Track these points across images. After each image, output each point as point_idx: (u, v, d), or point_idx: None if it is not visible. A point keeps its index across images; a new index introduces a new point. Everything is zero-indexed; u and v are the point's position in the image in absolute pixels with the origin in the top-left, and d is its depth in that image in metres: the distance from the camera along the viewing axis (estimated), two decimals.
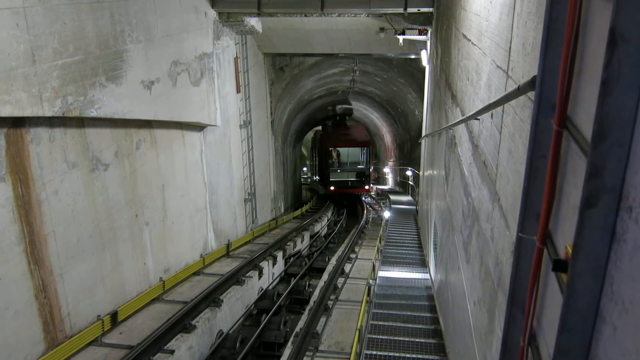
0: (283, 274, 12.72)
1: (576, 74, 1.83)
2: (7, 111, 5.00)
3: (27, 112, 5.28)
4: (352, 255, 12.90)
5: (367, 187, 26.75)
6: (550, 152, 1.95)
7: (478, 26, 4.93)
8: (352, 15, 11.89)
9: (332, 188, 26.54)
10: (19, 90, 5.11)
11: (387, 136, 33.79)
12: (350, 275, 10.94)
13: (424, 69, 14.52)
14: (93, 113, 6.40)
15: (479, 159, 4.47)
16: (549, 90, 2.03)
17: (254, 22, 12.27)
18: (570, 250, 1.61)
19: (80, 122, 6.66)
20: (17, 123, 5.59)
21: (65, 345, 6.29)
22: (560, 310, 1.64)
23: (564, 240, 1.88)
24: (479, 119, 4.49)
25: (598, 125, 1.42)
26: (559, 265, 1.73)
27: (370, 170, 26.81)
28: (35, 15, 5.32)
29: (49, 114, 5.60)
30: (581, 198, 1.51)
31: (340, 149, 27.49)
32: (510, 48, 3.30)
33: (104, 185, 7.23)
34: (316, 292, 9.50)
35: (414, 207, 21.11)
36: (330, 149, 27.03)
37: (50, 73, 5.55)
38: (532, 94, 2.37)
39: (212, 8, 11.01)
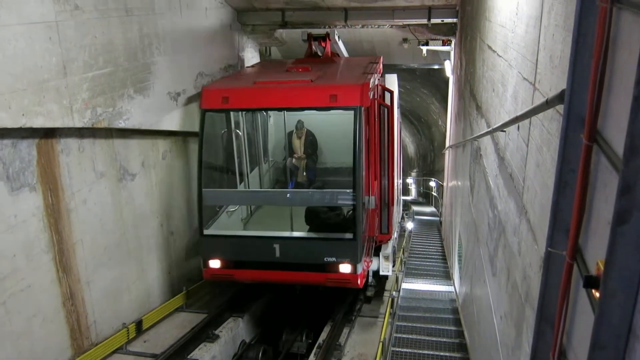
0: None
1: (606, 88, 1.81)
2: (39, 122, 5.13)
3: (58, 123, 5.42)
4: None
5: (354, 268, 6.76)
6: (579, 166, 1.93)
7: (503, 38, 4.91)
8: (376, 26, 11.93)
9: (213, 265, 7.27)
10: (51, 102, 5.26)
11: (410, 147, 33.66)
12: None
13: (447, 79, 14.46)
14: (121, 124, 6.53)
15: (505, 171, 4.43)
16: (578, 104, 2.01)
17: (278, 34, 12.39)
18: (601, 267, 1.58)
19: (109, 133, 6.79)
20: (48, 134, 5.73)
21: (91, 353, 6.38)
22: (592, 327, 1.61)
23: (595, 256, 1.85)
24: (505, 131, 4.46)
25: (630, 140, 1.41)
26: (591, 282, 1.70)
27: (371, 200, 7.22)
28: (67, 29, 5.47)
29: (79, 125, 5.74)
30: (613, 214, 1.49)
31: (256, 115, 9.17)
32: (537, 60, 3.28)
33: (131, 195, 7.34)
34: None
35: (437, 219, 20.92)
36: (226, 115, 7.93)
37: (80, 85, 5.69)
38: (560, 107, 2.35)
39: (238, 20, 11.18)
